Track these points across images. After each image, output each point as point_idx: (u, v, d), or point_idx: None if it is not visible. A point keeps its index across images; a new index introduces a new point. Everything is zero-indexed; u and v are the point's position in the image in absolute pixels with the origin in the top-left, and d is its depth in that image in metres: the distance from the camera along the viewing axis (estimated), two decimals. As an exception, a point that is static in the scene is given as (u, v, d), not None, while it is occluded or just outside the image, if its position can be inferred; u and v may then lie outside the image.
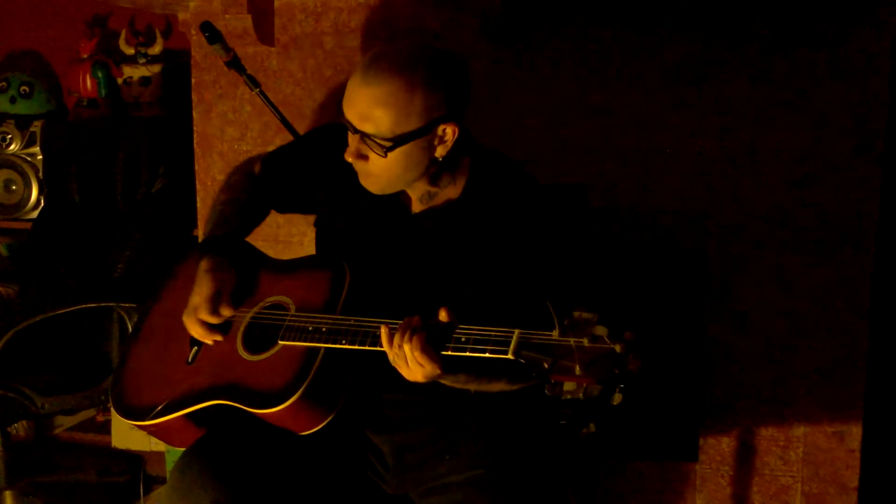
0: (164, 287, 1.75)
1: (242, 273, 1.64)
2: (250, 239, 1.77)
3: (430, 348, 1.33)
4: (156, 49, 2.86)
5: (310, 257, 1.66)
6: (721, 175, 2.18)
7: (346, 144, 1.50)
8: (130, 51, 2.88)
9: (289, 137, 2.08)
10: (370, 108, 1.41)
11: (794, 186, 2.14)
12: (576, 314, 1.21)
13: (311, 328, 1.46)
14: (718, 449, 2.27)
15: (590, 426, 1.80)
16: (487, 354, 1.29)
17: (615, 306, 1.26)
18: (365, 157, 1.46)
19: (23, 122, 2.95)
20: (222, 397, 1.51)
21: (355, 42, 2.34)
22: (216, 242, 1.64)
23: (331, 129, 1.66)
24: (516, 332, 1.27)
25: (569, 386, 1.20)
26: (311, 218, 1.74)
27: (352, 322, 1.44)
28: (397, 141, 1.42)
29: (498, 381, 1.48)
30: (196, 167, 2.51)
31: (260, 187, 1.74)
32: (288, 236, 2.41)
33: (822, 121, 2.11)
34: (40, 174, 2.92)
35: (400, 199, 1.57)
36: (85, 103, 2.91)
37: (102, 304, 2.46)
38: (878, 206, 2.12)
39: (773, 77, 2.12)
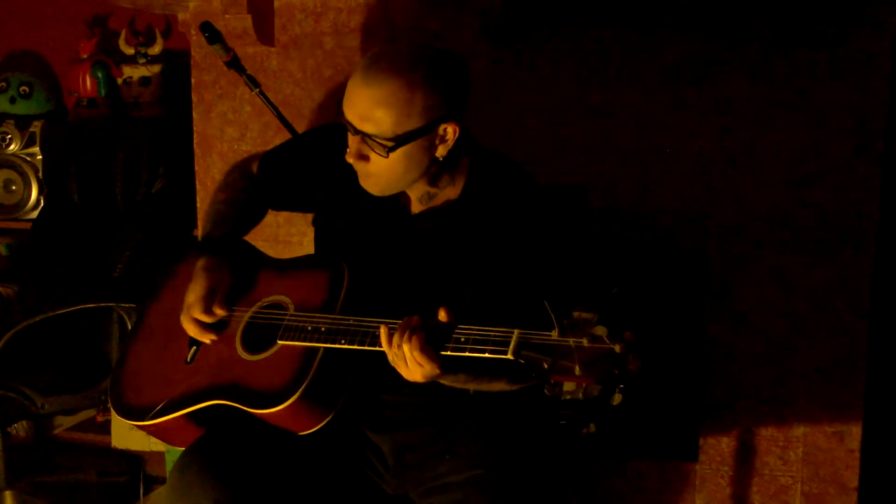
0: (163, 287, 1.75)
1: (240, 273, 1.64)
2: (250, 238, 1.77)
3: (430, 348, 1.33)
4: (156, 49, 2.86)
5: (308, 257, 1.66)
6: (721, 175, 2.18)
7: (345, 144, 1.49)
8: (130, 51, 2.88)
9: (288, 137, 2.08)
10: (371, 109, 1.41)
11: (794, 186, 2.14)
12: (575, 314, 1.21)
13: (310, 328, 1.46)
14: (718, 449, 2.27)
15: (590, 426, 1.80)
16: (487, 354, 1.29)
17: (615, 306, 1.25)
18: (366, 158, 1.45)
19: (22, 122, 2.96)
20: (221, 397, 1.51)
21: (355, 42, 2.34)
22: (213, 242, 1.64)
23: (330, 129, 1.66)
24: (516, 332, 1.27)
25: (568, 386, 1.19)
26: (311, 218, 1.74)
27: (351, 322, 1.44)
28: (399, 141, 1.41)
29: (498, 381, 1.48)
30: (196, 167, 2.51)
31: (258, 186, 1.74)
32: (288, 236, 2.41)
33: (822, 121, 2.11)
34: (40, 174, 2.92)
35: (399, 199, 1.57)
36: (85, 103, 2.91)
37: (102, 304, 2.46)
38: (878, 206, 2.11)
39: (773, 77, 2.12)
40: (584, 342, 1.18)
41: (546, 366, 1.20)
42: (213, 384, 1.53)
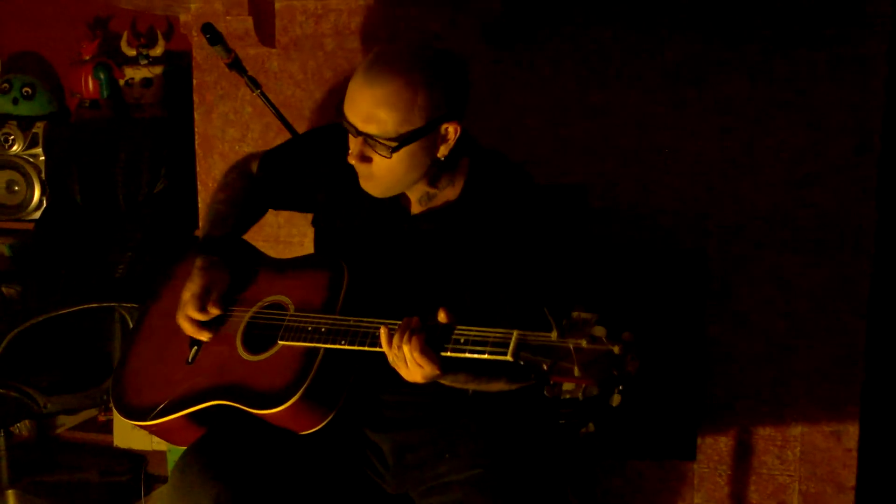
0: (164, 287, 1.75)
1: (238, 273, 1.64)
2: (251, 238, 1.77)
3: (430, 349, 1.33)
4: (157, 51, 2.87)
5: (308, 257, 1.66)
6: (721, 175, 2.18)
7: (345, 144, 1.50)
8: (132, 52, 2.89)
9: (289, 138, 2.08)
10: (374, 109, 1.41)
11: (793, 186, 2.14)
12: (575, 314, 1.21)
13: (310, 328, 1.46)
14: (716, 448, 2.27)
15: (589, 426, 1.80)
16: (486, 356, 1.29)
17: (615, 306, 1.26)
18: (368, 160, 1.45)
19: (25, 124, 2.96)
20: (222, 398, 1.51)
21: (356, 44, 2.34)
22: (212, 242, 1.65)
23: (330, 129, 1.66)
24: (515, 333, 1.27)
25: (568, 386, 1.20)
26: (312, 218, 1.74)
27: (351, 322, 1.44)
28: (402, 141, 1.41)
29: (497, 381, 1.48)
30: (197, 168, 2.52)
31: (257, 186, 1.74)
32: (288, 236, 2.42)
33: (822, 121, 2.11)
34: (42, 175, 2.93)
35: (399, 200, 1.57)
36: (87, 104, 2.91)
37: (104, 304, 2.46)
38: (878, 206, 2.11)
39: (773, 77, 2.12)
40: (583, 343, 1.18)
41: (545, 367, 1.20)
42: (213, 384, 1.54)
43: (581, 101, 2.23)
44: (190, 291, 1.58)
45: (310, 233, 1.72)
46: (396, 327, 1.36)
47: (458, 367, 1.39)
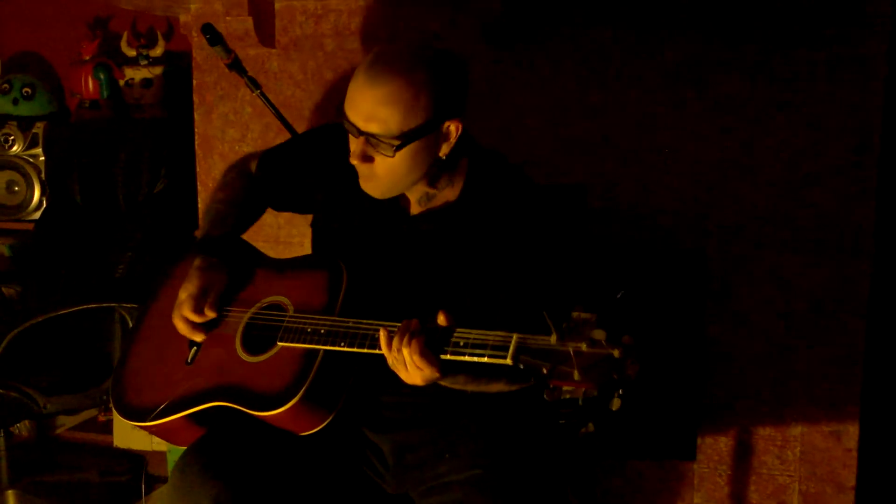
0: (163, 286, 1.75)
1: (237, 273, 1.64)
2: (251, 238, 1.77)
3: (429, 352, 1.33)
4: (157, 51, 2.87)
5: (307, 257, 1.66)
6: (721, 175, 2.18)
7: (344, 144, 1.50)
8: (132, 53, 2.89)
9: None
10: (376, 108, 1.40)
11: (793, 186, 2.14)
12: (574, 314, 1.21)
13: (309, 329, 1.46)
14: (716, 448, 2.27)
15: (589, 425, 1.80)
16: (486, 359, 1.29)
17: (614, 306, 1.26)
18: (370, 160, 1.45)
19: (25, 124, 2.97)
20: (222, 399, 1.51)
21: (356, 44, 2.35)
22: (211, 242, 1.65)
23: (329, 129, 1.66)
24: (514, 336, 1.27)
25: (567, 389, 1.19)
26: (311, 219, 1.74)
27: (350, 324, 1.44)
28: (405, 139, 1.41)
29: (496, 382, 1.48)
30: (197, 168, 2.52)
31: (256, 186, 1.74)
32: (288, 237, 2.42)
33: (822, 121, 2.11)
34: (42, 175, 2.93)
35: (398, 201, 1.57)
36: (87, 105, 2.92)
37: (104, 305, 2.47)
38: (878, 207, 2.11)
39: (773, 77, 2.12)
40: (583, 347, 1.18)
41: (545, 371, 1.20)
42: (213, 386, 1.54)
43: (581, 101, 2.23)
44: (187, 292, 1.58)
45: (310, 233, 1.72)
46: (396, 330, 1.36)
47: (458, 370, 1.39)
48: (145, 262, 2.68)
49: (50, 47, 3.17)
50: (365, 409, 1.58)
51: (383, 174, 1.46)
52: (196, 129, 2.51)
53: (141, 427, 1.61)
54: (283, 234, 2.42)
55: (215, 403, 1.52)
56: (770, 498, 2.25)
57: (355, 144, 1.45)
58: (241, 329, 1.58)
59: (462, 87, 1.48)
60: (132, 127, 2.82)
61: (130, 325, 2.41)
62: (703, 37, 2.14)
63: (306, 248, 1.71)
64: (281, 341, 1.49)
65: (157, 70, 2.85)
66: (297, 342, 1.47)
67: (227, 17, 2.32)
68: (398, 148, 1.41)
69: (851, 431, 2.17)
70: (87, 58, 2.93)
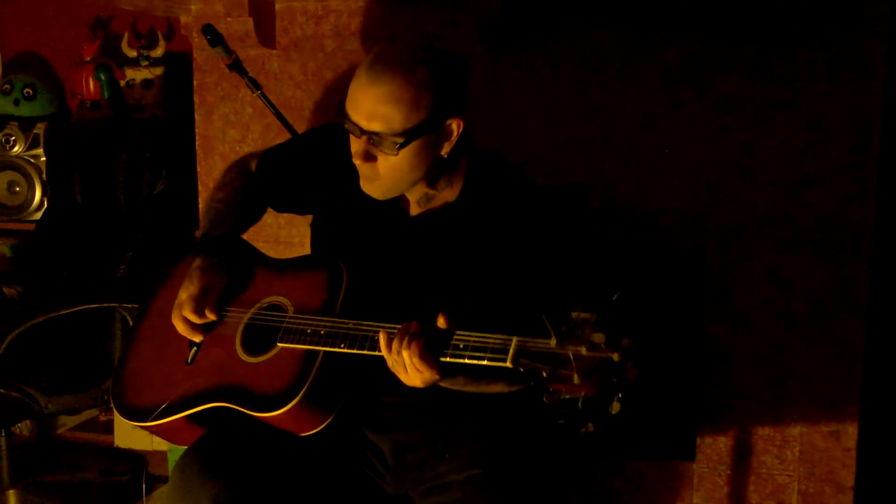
0: (162, 286, 1.75)
1: (236, 274, 1.64)
2: (251, 238, 1.77)
3: (429, 355, 1.33)
4: (158, 52, 2.88)
5: (307, 257, 1.65)
6: (721, 175, 2.18)
7: (345, 145, 1.50)
8: (133, 53, 2.89)
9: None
10: (379, 106, 1.40)
11: (793, 186, 2.14)
12: (574, 314, 1.21)
13: (309, 331, 1.46)
14: (716, 448, 2.27)
15: (588, 426, 1.80)
16: (485, 362, 1.29)
17: (614, 307, 1.26)
18: (373, 158, 1.45)
19: (26, 124, 2.97)
20: (222, 400, 1.51)
21: (356, 45, 2.35)
22: (211, 242, 1.65)
23: (330, 129, 1.66)
24: (514, 339, 1.27)
25: (567, 391, 1.19)
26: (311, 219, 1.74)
27: (350, 325, 1.44)
28: (409, 136, 1.41)
29: (496, 384, 1.48)
30: (198, 169, 2.52)
31: (256, 185, 1.74)
32: (289, 237, 2.42)
33: (822, 121, 2.11)
34: (44, 176, 2.93)
35: (398, 202, 1.57)
36: (88, 105, 2.92)
37: (105, 305, 2.47)
38: (877, 207, 2.11)
39: (772, 77, 2.12)
40: (583, 350, 1.18)
41: (545, 374, 1.20)
42: (213, 386, 1.54)
43: (581, 101, 2.23)
44: (188, 292, 1.58)
45: (310, 233, 1.72)
46: (395, 332, 1.36)
47: (458, 372, 1.39)
48: (146, 262, 2.69)
49: (51, 48, 3.17)
50: (365, 409, 1.58)
51: (386, 173, 1.46)
52: (197, 130, 2.51)
53: (141, 427, 1.62)
54: (283, 234, 2.42)
55: (215, 404, 1.52)
56: (769, 498, 2.25)
57: (357, 144, 1.45)
58: (240, 329, 1.58)
59: (463, 85, 1.48)
60: (133, 127, 2.82)
61: (131, 325, 2.41)
62: (703, 37, 2.14)
63: (306, 248, 1.71)
64: (281, 342, 1.49)
65: (158, 71, 2.85)
66: (297, 343, 1.47)
67: (228, 18, 2.33)
68: (402, 146, 1.41)
69: (851, 431, 2.17)
70: (88, 58, 2.94)
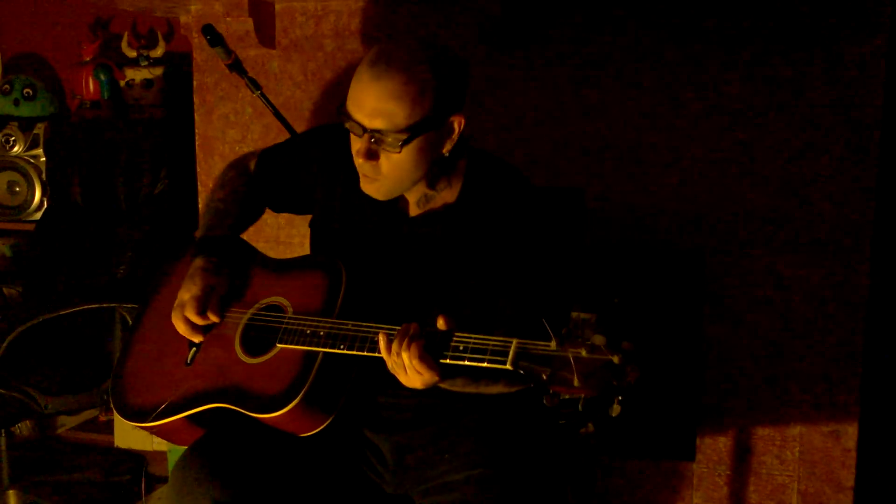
0: (161, 286, 1.74)
1: (237, 274, 1.64)
2: (251, 239, 1.76)
3: (429, 357, 1.33)
4: (158, 52, 2.88)
5: (306, 257, 1.65)
6: (720, 175, 2.18)
7: (345, 144, 1.49)
8: (133, 54, 2.90)
9: (289, 139, 2.08)
10: (381, 104, 1.40)
11: (792, 186, 2.14)
12: (574, 314, 1.21)
13: (308, 332, 1.46)
14: (715, 448, 2.27)
15: (588, 426, 1.81)
16: (485, 364, 1.29)
17: (613, 307, 1.26)
18: (375, 157, 1.44)
19: (26, 124, 2.97)
20: (222, 400, 1.51)
21: (356, 45, 2.35)
22: (213, 243, 1.64)
23: (329, 129, 1.66)
24: (514, 341, 1.27)
25: (567, 393, 1.19)
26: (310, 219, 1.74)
27: (350, 327, 1.44)
28: (412, 133, 1.40)
29: (496, 385, 1.48)
30: (198, 169, 2.52)
31: (255, 184, 1.73)
32: (289, 237, 2.42)
33: (820, 121, 2.11)
34: (43, 176, 2.94)
35: (397, 202, 1.57)
36: (88, 105, 2.92)
37: (104, 305, 2.47)
38: (877, 207, 2.12)
39: (772, 77, 2.12)
40: (583, 352, 1.18)
41: (545, 377, 1.20)
42: (212, 387, 1.54)
43: (580, 101, 2.23)
44: (190, 293, 1.57)
45: (309, 234, 1.72)
46: (395, 333, 1.36)
47: (457, 373, 1.39)
48: (145, 262, 2.69)
49: (51, 48, 3.18)
50: (365, 410, 1.58)
51: (388, 172, 1.46)
52: (196, 130, 2.51)
53: (141, 427, 1.61)
54: (283, 235, 2.42)
55: (215, 405, 1.52)
56: (769, 498, 2.25)
57: (360, 143, 1.44)
58: (240, 330, 1.58)
59: (464, 82, 1.48)
60: (132, 127, 2.82)
61: (130, 325, 2.41)
62: (703, 37, 2.14)
63: (306, 249, 1.71)
64: (280, 343, 1.49)
65: (158, 71, 2.85)
66: (297, 344, 1.47)
67: (228, 18, 2.33)
68: (405, 143, 1.41)
69: (850, 431, 2.17)
70: (88, 59, 2.94)
